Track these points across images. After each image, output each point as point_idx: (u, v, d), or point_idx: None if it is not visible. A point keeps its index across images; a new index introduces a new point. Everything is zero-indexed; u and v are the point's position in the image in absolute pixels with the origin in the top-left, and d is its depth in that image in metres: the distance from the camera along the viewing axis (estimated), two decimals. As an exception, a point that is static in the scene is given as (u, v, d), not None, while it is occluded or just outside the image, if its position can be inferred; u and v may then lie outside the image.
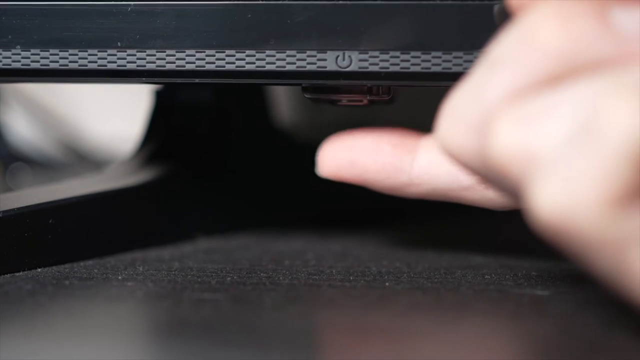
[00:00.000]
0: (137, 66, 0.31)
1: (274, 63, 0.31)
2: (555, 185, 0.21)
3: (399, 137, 0.32)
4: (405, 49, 0.30)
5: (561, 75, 0.22)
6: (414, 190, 0.32)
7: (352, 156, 0.32)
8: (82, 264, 0.34)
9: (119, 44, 0.31)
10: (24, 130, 0.70)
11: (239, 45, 0.31)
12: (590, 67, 0.22)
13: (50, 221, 0.33)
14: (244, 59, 0.31)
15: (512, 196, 0.24)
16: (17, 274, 0.32)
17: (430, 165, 0.31)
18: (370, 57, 0.30)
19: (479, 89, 0.23)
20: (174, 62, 0.31)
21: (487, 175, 0.24)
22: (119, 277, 0.32)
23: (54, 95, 0.73)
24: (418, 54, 0.30)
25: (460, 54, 0.29)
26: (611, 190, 0.20)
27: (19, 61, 0.32)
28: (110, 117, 0.72)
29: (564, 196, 0.21)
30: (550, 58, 0.22)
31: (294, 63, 0.30)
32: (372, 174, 0.32)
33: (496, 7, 0.28)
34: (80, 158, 0.68)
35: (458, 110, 0.24)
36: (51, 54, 0.32)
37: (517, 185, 0.22)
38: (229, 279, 0.32)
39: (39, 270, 0.33)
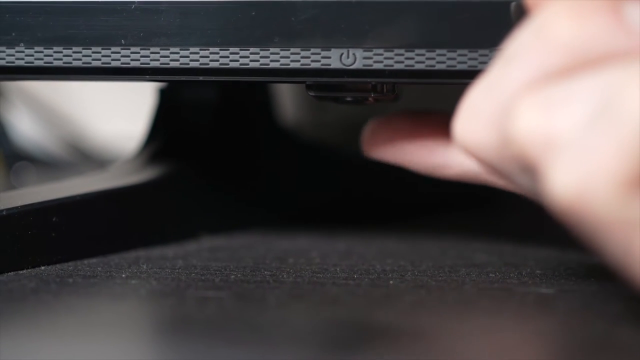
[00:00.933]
0: (141, 64, 0.31)
1: (278, 61, 0.30)
2: (571, 167, 0.21)
3: (436, 120, 0.33)
4: (410, 46, 0.30)
5: (575, 68, 0.23)
6: (447, 172, 0.33)
7: (392, 137, 0.33)
8: (85, 262, 0.34)
9: (122, 41, 0.31)
10: (28, 130, 0.70)
11: (243, 42, 0.31)
12: (603, 60, 0.22)
13: (53, 219, 0.33)
14: (248, 57, 0.31)
15: (528, 189, 0.24)
16: (21, 272, 0.32)
17: None
18: (375, 54, 0.30)
19: (495, 83, 0.24)
20: (178, 60, 0.31)
21: (505, 168, 0.24)
22: (123, 275, 0.32)
23: (58, 94, 0.73)
24: (422, 51, 0.30)
25: (465, 51, 0.29)
26: (626, 173, 0.21)
27: (23, 59, 0.32)
28: (115, 116, 0.72)
29: (579, 178, 0.21)
30: (564, 51, 0.23)
31: (298, 61, 0.30)
32: (409, 155, 0.33)
33: (513, 5, 0.28)
34: (85, 157, 0.68)
35: (476, 106, 0.24)
36: (55, 52, 0.31)
37: (535, 170, 0.23)
38: (232, 277, 0.32)
39: (43, 268, 0.33)
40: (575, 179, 0.21)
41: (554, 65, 0.23)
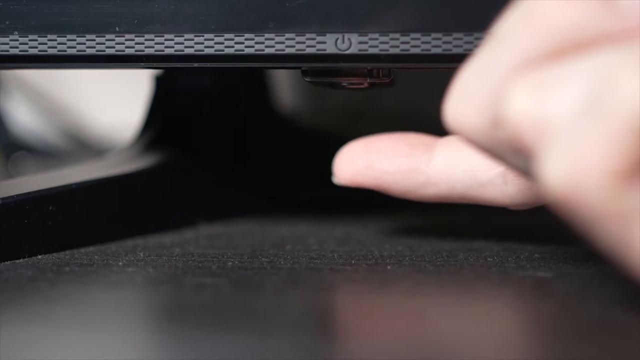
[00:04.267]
0: (136, 51, 0.31)
1: (274, 46, 0.30)
2: (563, 157, 0.21)
3: (414, 139, 0.32)
4: (405, 30, 0.29)
5: (566, 50, 0.23)
6: (431, 191, 0.32)
7: (368, 159, 0.32)
8: (82, 250, 0.34)
9: (117, 28, 0.31)
10: (26, 119, 0.70)
11: (238, 28, 0.30)
12: (594, 43, 0.22)
13: (50, 208, 0.33)
14: (243, 43, 0.30)
15: (521, 170, 0.24)
16: (18, 260, 0.32)
17: (447, 163, 0.31)
18: (370, 39, 0.30)
19: (486, 65, 0.24)
20: (173, 47, 0.31)
21: (497, 150, 0.24)
22: (120, 263, 0.32)
23: (56, 84, 0.73)
24: (418, 35, 0.29)
25: (460, 35, 0.29)
26: (618, 163, 0.21)
27: (17, 47, 0.32)
28: (113, 105, 0.72)
29: (572, 167, 0.21)
30: (554, 33, 0.23)
31: (294, 46, 0.30)
32: (389, 175, 0.32)
33: None
34: (83, 146, 0.68)
35: (466, 87, 0.24)
36: (49, 40, 0.31)
37: (528, 154, 0.23)
38: (230, 263, 0.32)
39: (40, 257, 0.33)
40: (567, 168, 0.21)
41: (545, 48, 0.23)
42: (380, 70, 0.32)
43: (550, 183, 0.22)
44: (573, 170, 0.21)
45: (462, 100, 0.24)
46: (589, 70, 0.22)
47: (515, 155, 0.24)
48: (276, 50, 0.30)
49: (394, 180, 0.32)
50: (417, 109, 0.48)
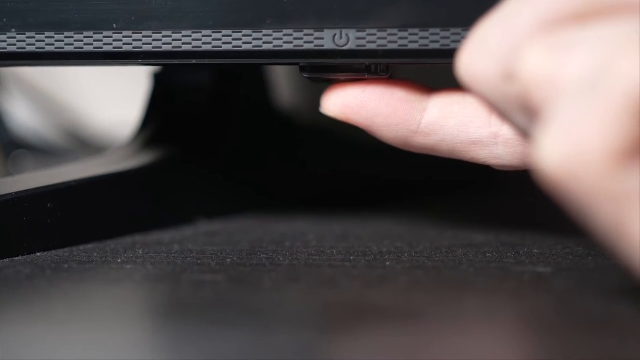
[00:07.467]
0: (133, 48, 0.31)
1: (271, 43, 0.30)
2: (560, 136, 0.21)
3: (411, 86, 0.31)
4: (403, 26, 0.29)
5: (590, 13, 0.23)
6: (420, 140, 0.31)
7: (363, 98, 0.31)
8: (81, 247, 0.34)
9: (114, 25, 0.31)
10: (25, 118, 0.70)
11: (236, 25, 0.30)
12: (618, 9, 0.22)
13: (49, 205, 0.33)
14: (240, 39, 0.30)
15: (523, 129, 0.24)
16: (16, 258, 0.32)
17: (441, 115, 0.30)
18: (368, 35, 0.30)
19: (510, 18, 0.24)
20: (171, 43, 0.31)
21: (504, 105, 0.24)
22: (119, 261, 0.32)
23: (55, 82, 0.73)
24: (416, 31, 0.29)
25: (458, 30, 0.29)
26: (615, 143, 0.21)
27: (15, 45, 0.32)
28: (112, 103, 0.72)
29: (569, 147, 0.21)
30: None
31: (291, 42, 0.30)
32: (382, 118, 0.31)
33: None
34: (83, 144, 0.68)
35: (485, 37, 0.24)
36: (47, 37, 0.31)
37: (533, 114, 0.23)
38: (229, 260, 0.32)
39: (38, 254, 0.33)
40: (564, 148, 0.21)
41: (570, 10, 0.23)
42: (379, 65, 0.31)
43: (545, 164, 0.21)
44: (570, 149, 0.21)
45: (479, 49, 0.24)
46: (598, 37, 0.22)
47: (520, 113, 0.24)
48: (274, 46, 0.30)
49: (385, 124, 0.31)
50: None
